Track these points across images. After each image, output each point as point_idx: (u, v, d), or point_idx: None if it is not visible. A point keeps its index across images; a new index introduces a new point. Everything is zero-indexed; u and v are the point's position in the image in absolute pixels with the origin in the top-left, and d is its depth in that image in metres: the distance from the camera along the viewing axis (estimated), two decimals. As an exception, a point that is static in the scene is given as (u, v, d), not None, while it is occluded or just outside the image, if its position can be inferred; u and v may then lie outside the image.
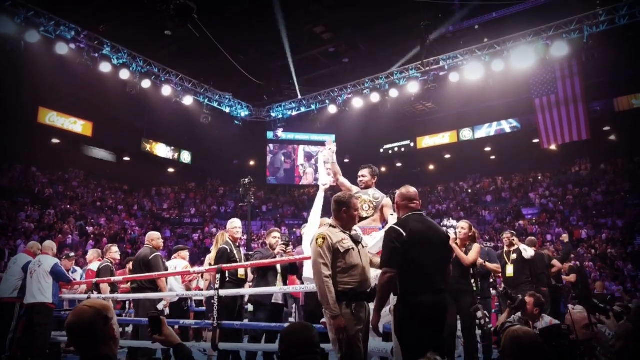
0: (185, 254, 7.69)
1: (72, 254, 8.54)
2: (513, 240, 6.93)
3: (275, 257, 5.44)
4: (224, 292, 5.27)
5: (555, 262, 7.65)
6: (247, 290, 5.71)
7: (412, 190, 3.62)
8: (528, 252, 6.82)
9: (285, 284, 5.73)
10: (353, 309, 3.42)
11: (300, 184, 28.01)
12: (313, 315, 4.93)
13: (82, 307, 2.03)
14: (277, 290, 5.43)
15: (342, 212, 3.67)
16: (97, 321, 1.98)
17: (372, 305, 3.75)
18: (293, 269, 5.69)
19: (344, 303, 3.42)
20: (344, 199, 3.73)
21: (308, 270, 5.05)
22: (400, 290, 3.34)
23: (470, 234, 5.67)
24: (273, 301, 5.57)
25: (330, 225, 3.70)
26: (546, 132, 19.62)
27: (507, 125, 25.19)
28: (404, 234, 3.31)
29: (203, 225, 24.25)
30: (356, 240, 3.64)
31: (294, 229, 25.22)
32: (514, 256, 6.77)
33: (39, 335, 6.29)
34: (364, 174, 5.19)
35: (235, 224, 5.97)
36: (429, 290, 3.24)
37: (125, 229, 21.20)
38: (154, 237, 6.67)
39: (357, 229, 3.81)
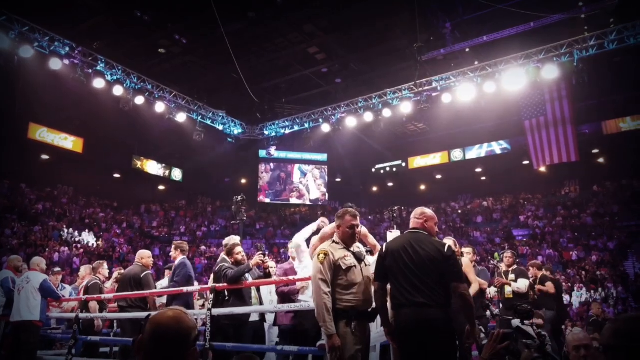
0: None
1: (57, 269, 8.35)
2: (512, 259, 6.91)
3: (250, 269, 5.27)
4: (216, 312, 5.15)
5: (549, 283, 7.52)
6: (242, 309, 5.53)
7: (424, 210, 3.67)
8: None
9: (260, 298, 5.65)
10: (353, 328, 3.37)
11: (292, 202, 27.92)
12: (305, 335, 4.84)
13: (181, 313, 1.73)
14: (271, 309, 5.34)
15: (337, 227, 3.72)
16: (190, 337, 1.68)
17: (372, 326, 3.72)
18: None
19: (344, 321, 3.37)
20: (337, 213, 3.78)
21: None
22: (390, 305, 3.42)
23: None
24: (251, 320, 5.45)
25: (334, 241, 3.68)
26: (536, 153, 19.87)
27: (497, 147, 25.45)
28: (384, 250, 3.49)
29: (193, 244, 23.99)
30: (359, 258, 3.62)
31: (284, 249, 25.08)
32: (512, 276, 6.72)
33: (26, 354, 6.11)
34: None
35: (233, 241, 5.87)
36: (405, 304, 3.26)
37: (113, 247, 20.89)
38: (144, 256, 6.60)
39: (360, 245, 3.77)
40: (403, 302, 3.26)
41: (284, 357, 5.45)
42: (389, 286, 3.47)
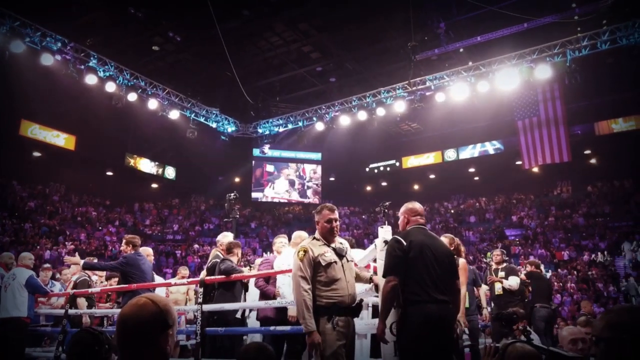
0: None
1: (47, 265, 8.27)
2: (501, 257, 6.91)
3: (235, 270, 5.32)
4: (207, 307, 5.14)
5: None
6: (232, 305, 5.50)
7: (418, 205, 3.70)
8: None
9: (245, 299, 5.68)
10: (335, 324, 3.33)
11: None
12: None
13: (144, 299, 1.66)
14: (262, 305, 5.32)
15: (316, 223, 3.69)
16: (155, 323, 1.60)
17: (357, 320, 3.68)
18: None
19: (325, 317, 3.34)
20: (316, 209, 3.77)
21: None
22: (403, 300, 3.29)
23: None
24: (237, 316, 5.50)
25: (314, 238, 3.66)
26: (527, 153, 19.93)
27: (490, 147, 25.50)
28: (405, 244, 3.34)
29: (186, 242, 23.90)
30: (340, 254, 3.59)
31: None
32: (502, 274, 6.71)
33: (13, 351, 6.04)
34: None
35: (228, 238, 5.89)
36: (429, 300, 3.20)
37: (105, 245, 20.77)
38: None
39: (342, 241, 3.75)
40: (425, 298, 3.19)
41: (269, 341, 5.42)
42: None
